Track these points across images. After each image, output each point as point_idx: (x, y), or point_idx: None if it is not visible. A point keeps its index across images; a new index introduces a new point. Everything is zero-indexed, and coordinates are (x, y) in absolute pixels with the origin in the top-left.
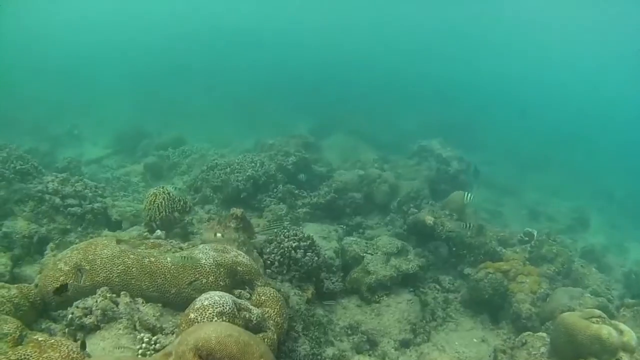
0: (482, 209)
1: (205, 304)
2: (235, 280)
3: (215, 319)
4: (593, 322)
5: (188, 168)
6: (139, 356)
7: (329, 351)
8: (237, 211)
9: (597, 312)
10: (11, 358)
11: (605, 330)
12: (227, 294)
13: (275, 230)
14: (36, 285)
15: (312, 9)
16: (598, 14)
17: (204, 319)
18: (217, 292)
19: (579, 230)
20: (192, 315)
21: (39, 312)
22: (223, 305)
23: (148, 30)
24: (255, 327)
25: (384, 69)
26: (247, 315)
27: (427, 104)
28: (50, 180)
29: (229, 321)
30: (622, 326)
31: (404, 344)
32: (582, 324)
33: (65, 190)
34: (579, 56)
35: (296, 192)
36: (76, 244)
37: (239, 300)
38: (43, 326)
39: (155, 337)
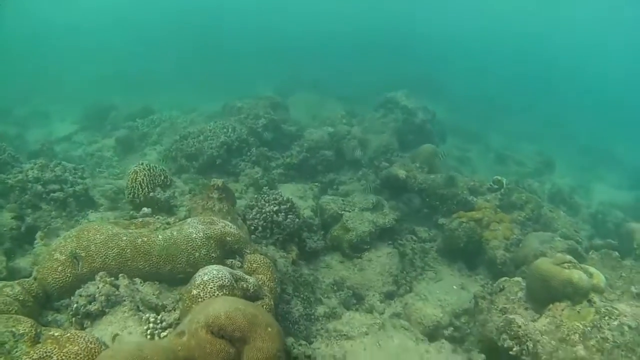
0: (450, 155)
1: (205, 279)
2: (225, 250)
3: (217, 292)
4: (565, 268)
5: (159, 137)
6: (148, 336)
7: (320, 309)
8: (218, 181)
9: (568, 257)
10: (34, 358)
11: (576, 275)
12: (224, 267)
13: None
14: (35, 278)
15: None
16: None
17: (206, 293)
18: (214, 265)
19: (545, 172)
20: (194, 292)
21: (42, 304)
22: (222, 279)
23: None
24: (252, 296)
25: (344, 26)
26: (244, 285)
27: (390, 58)
28: (29, 168)
29: (229, 293)
30: (592, 269)
31: (389, 296)
32: (554, 270)
33: (45, 176)
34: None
35: (269, 154)
36: (63, 229)
37: (235, 271)
38: (49, 318)
39: (160, 316)
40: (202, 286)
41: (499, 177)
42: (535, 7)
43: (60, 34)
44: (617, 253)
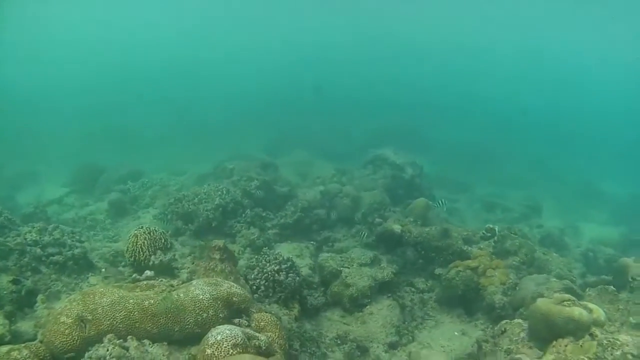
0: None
1: (218, 339)
2: (232, 310)
3: (231, 351)
4: (565, 306)
5: (151, 200)
6: None
7: None
8: (219, 242)
9: (567, 296)
10: None
11: (577, 311)
12: (235, 327)
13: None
14: (41, 342)
15: (253, 30)
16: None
17: (220, 352)
18: (226, 325)
19: (533, 216)
20: (208, 351)
21: None
22: (235, 337)
23: (98, 60)
24: (264, 352)
25: (328, 82)
26: (256, 343)
27: (374, 112)
28: (28, 231)
29: (242, 351)
30: (591, 305)
31: (392, 346)
32: (555, 309)
33: (44, 239)
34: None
35: (263, 214)
36: (64, 292)
37: (247, 330)
38: None
39: None
40: (216, 345)
41: (491, 225)
42: (512, 48)
43: (44, 95)
44: (613, 287)
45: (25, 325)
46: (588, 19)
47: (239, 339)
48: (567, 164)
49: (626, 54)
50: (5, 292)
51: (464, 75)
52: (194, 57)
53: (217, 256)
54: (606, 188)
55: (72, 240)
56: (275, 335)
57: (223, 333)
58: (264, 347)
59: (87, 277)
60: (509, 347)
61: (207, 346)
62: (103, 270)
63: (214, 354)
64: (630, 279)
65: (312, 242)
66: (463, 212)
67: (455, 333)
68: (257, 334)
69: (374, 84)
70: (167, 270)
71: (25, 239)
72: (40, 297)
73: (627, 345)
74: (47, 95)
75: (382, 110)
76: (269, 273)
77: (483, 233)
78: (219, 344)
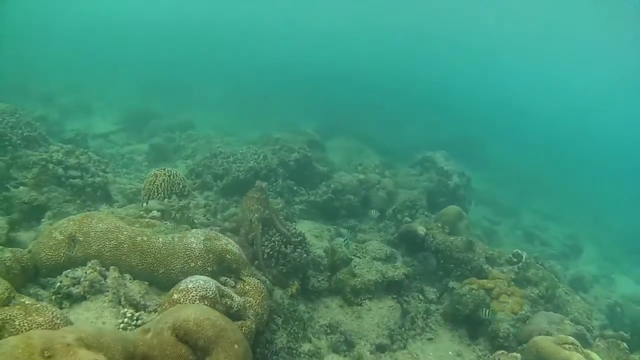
0: (477, 226)
1: (189, 286)
2: (222, 267)
3: (197, 302)
4: (565, 349)
5: (192, 152)
6: (120, 330)
7: (305, 347)
8: (262, 183)
9: (571, 339)
10: None
11: (576, 357)
12: (213, 280)
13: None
14: (29, 251)
15: (329, 9)
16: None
17: (186, 300)
18: (203, 276)
19: (571, 257)
20: (175, 296)
21: (29, 277)
22: (206, 290)
23: (167, 17)
24: (235, 315)
25: (395, 76)
26: (228, 302)
27: (436, 115)
28: (56, 150)
29: (210, 306)
30: (594, 355)
31: (380, 348)
32: (553, 349)
33: (69, 161)
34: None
35: (295, 188)
36: (73, 215)
37: (223, 287)
38: (31, 291)
39: (137, 314)
40: (184, 292)
41: (519, 251)
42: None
43: (117, 39)
44: (625, 344)
45: (25, 236)
46: None
47: (210, 293)
48: (622, 211)
49: None
50: (17, 201)
51: (543, 92)
52: (260, 23)
53: (257, 195)
54: None
55: (96, 169)
56: (255, 302)
57: (196, 282)
58: (235, 309)
59: (99, 207)
60: None
61: (175, 291)
62: (117, 203)
63: (179, 300)
64: None
65: (335, 227)
66: (501, 237)
67: (450, 352)
68: (232, 294)
69: (445, 89)
70: (177, 217)
71: (52, 156)
72: (48, 213)
73: None
74: (115, 42)
75: (447, 116)
76: (276, 242)
77: (509, 257)
78: (188, 291)
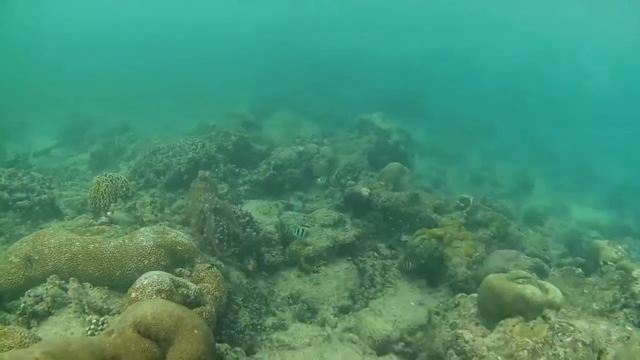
0: (426, 177)
1: (144, 282)
2: (175, 259)
3: (154, 296)
4: (518, 283)
5: (133, 153)
6: (87, 337)
7: (269, 320)
8: (205, 173)
9: (523, 272)
10: None
11: (529, 290)
12: (166, 273)
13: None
14: None
15: None
16: None
17: (144, 296)
18: (156, 271)
19: (522, 193)
20: (133, 294)
21: None
22: (161, 283)
23: (94, 17)
24: (193, 302)
25: (328, 45)
26: (184, 292)
27: (372, 78)
28: None
29: (167, 298)
30: (548, 285)
31: (343, 310)
32: (506, 285)
33: (13, 184)
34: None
35: (237, 170)
36: (26, 235)
37: (177, 278)
38: None
39: (102, 318)
40: (141, 289)
41: (466, 196)
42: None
43: (48, 47)
44: (580, 270)
45: None
46: None
47: (165, 285)
48: (566, 144)
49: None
50: None
51: (481, 47)
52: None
53: (202, 185)
54: (603, 171)
55: (41, 187)
56: (212, 287)
57: (150, 278)
58: (192, 297)
59: (51, 224)
60: (455, 321)
61: (133, 289)
62: (67, 217)
63: (137, 298)
64: (601, 262)
65: (282, 201)
66: (450, 184)
67: (412, 303)
68: (188, 283)
69: (378, 52)
70: (127, 218)
71: None
72: (0, 239)
73: (581, 332)
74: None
75: (386, 76)
76: (224, 226)
77: (457, 203)
78: (144, 288)
